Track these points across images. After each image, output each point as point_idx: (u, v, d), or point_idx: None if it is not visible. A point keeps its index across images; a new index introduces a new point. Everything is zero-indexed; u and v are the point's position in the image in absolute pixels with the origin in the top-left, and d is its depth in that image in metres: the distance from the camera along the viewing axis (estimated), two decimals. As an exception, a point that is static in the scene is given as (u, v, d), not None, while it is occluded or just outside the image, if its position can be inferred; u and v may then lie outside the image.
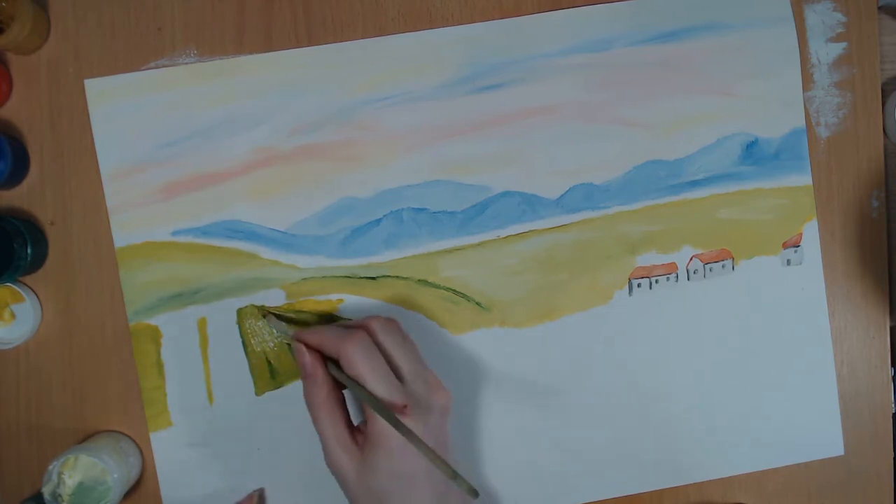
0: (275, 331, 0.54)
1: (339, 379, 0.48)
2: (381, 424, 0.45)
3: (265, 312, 0.55)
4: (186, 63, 0.56)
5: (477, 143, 0.56)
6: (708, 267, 0.58)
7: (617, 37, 0.57)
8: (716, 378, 0.58)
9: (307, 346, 0.49)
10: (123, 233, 0.55)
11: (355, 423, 0.50)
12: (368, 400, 0.45)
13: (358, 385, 0.46)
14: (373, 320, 0.49)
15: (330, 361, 0.48)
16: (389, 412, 0.44)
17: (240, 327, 0.55)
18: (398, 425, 0.44)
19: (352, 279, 0.56)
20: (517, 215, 0.57)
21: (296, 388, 0.56)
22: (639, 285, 0.57)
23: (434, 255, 0.56)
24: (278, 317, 0.55)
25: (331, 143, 0.56)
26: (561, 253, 0.57)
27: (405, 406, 0.45)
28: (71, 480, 0.51)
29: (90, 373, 0.55)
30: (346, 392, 0.50)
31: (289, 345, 0.55)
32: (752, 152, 0.58)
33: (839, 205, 0.59)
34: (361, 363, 0.46)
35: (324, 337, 0.48)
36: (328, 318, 0.56)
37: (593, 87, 0.57)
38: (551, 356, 0.57)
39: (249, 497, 0.55)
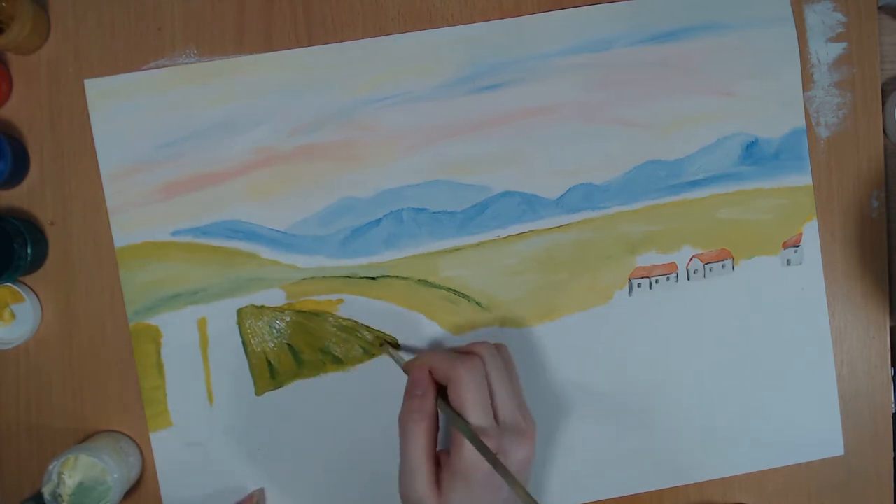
0: (393, 360, 0.53)
1: (440, 409, 0.47)
2: (469, 456, 0.44)
3: (382, 342, 0.55)
4: (186, 63, 0.56)
5: (477, 143, 0.56)
6: (708, 267, 0.58)
7: (617, 37, 0.57)
8: (716, 378, 0.58)
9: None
10: (123, 233, 0.55)
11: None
12: (467, 432, 0.44)
13: (458, 416, 0.45)
14: (485, 347, 0.48)
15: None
16: (487, 448, 0.43)
17: (240, 327, 0.55)
18: (496, 463, 0.43)
19: (352, 279, 0.56)
20: (517, 215, 0.57)
21: (296, 388, 0.56)
22: (639, 285, 0.57)
23: (434, 255, 0.56)
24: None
25: (331, 143, 0.56)
26: (561, 253, 0.57)
27: (495, 452, 0.44)
28: (71, 480, 0.51)
29: (90, 373, 0.55)
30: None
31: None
32: (752, 152, 0.58)
33: (839, 205, 0.59)
34: (468, 392, 0.45)
35: (439, 360, 0.47)
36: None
37: (593, 87, 0.57)
38: (551, 356, 0.57)
39: (249, 497, 0.55)
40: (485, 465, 0.44)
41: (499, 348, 0.50)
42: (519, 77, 0.57)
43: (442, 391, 0.48)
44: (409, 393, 0.48)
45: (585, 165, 0.57)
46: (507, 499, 0.46)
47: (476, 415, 0.45)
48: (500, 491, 0.45)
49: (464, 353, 0.48)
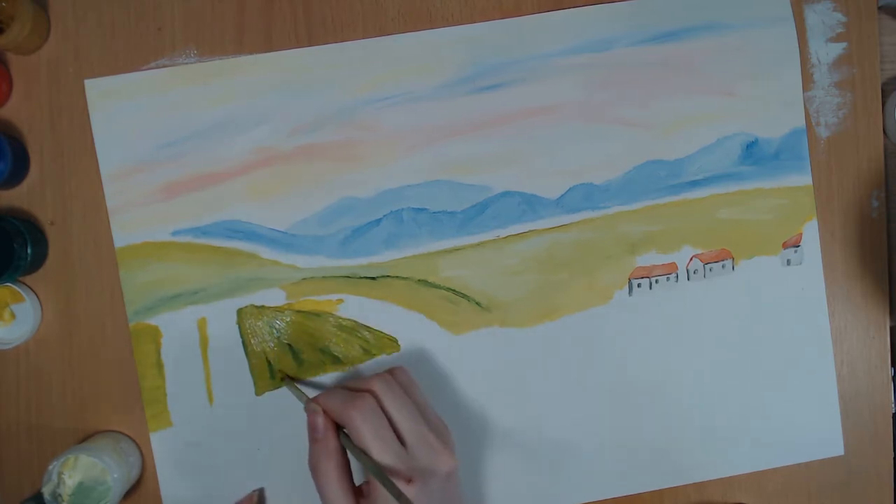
0: (296, 397, 0.53)
1: (345, 446, 0.47)
2: (384, 492, 0.45)
3: (283, 376, 0.55)
4: (186, 63, 0.56)
5: (477, 143, 0.56)
6: (708, 267, 0.58)
7: (617, 37, 0.57)
8: (716, 378, 0.58)
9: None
10: (123, 233, 0.55)
11: (356, 481, 0.49)
12: (374, 471, 0.45)
13: (364, 455, 0.46)
14: (377, 381, 0.48)
15: (341, 431, 0.48)
16: (392, 484, 0.44)
17: (240, 327, 0.55)
18: (400, 497, 0.43)
19: (352, 279, 0.56)
20: (517, 215, 0.57)
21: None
22: (639, 285, 0.57)
23: (434, 255, 0.56)
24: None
25: (331, 143, 0.56)
26: (561, 253, 0.57)
27: (410, 478, 0.45)
28: (71, 480, 0.51)
29: (90, 373, 0.55)
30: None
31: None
32: (752, 152, 0.58)
33: (839, 205, 0.59)
34: (367, 433, 0.45)
35: (330, 403, 0.48)
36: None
37: (593, 87, 0.57)
38: (551, 356, 0.57)
39: (249, 497, 0.55)
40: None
41: (394, 373, 0.50)
42: (519, 77, 0.57)
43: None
44: (311, 437, 0.48)
45: (585, 165, 0.57)
46: None
47: (378, 450, 0.45)
48: None
49: (355, 389, 0.49)
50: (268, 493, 0.56)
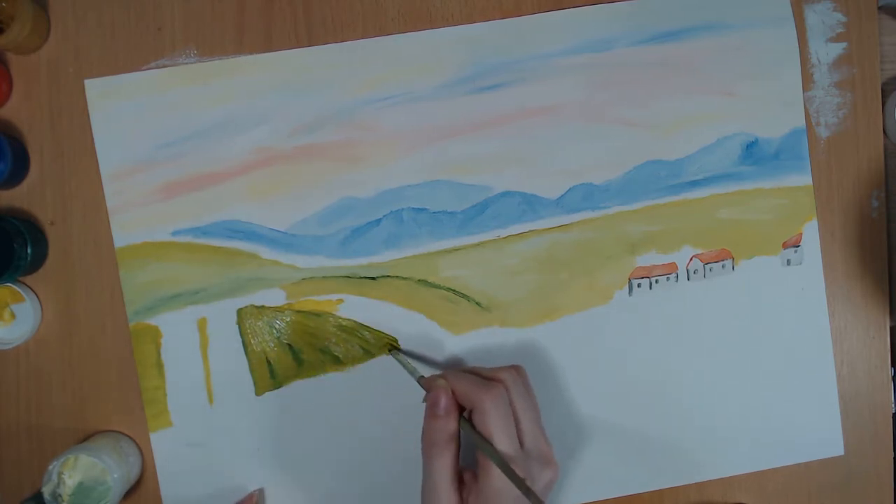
0: (405, 369, 0.53)
1: (464, 430, 0.47)
2: (496, 483, 0.44)
3: (391, 347, 0.55)
4: (186, 63, 0.56)
5: (477, 143, 0.56)
6: (708, 267, 0.58)
7: (617, 37, 0.57)
8: (716, 378, 0.58)
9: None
10: (123, 233, 0.55)
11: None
12: (496, 460, 0.44)
13: (487, 442, 0.45)
14: (508, 373, 0.48)
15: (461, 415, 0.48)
16: (518, 477, 0.44)
17: (240, 327, 0.55)
18: (528, 491, 0.43)
19: (352, 279, 0.56)
20: (517, 215, 0.57)
21: (296, 388, 0.56)
22: (639, 285, 0.57)
23: (434, 255, 0.56)
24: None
25: (331, 143, 0.56)
26: (561, 253, 0.57)
27: (524, 475, 0.45)
28: (71, 480, 0.51)
29: (90, 373, 0.55)
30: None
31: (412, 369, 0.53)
32: (752, 152, 0.58)
33: (839, 205, 0.59)
34: (496, 422, 0.45)
35: (463, 384, 0.47)
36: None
37: (594, 87, 0.57)
38: (551, 356, 0.57)
39: (249, 497, 0.55)
40: (513, 491, 0.44)
41: (518, 371, 0.50)
42: (519, 77, 0.57)
43: (463, 410, 0.48)
44: (432, 412, 0.47)
45: (585, 165, 0.57)
46: None
47: (503, 443, 0.45)
48: None
49: (487, 377, 0.48)
50: (268, 493, 0.56)
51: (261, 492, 0.56)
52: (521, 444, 0.46)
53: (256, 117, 0.56)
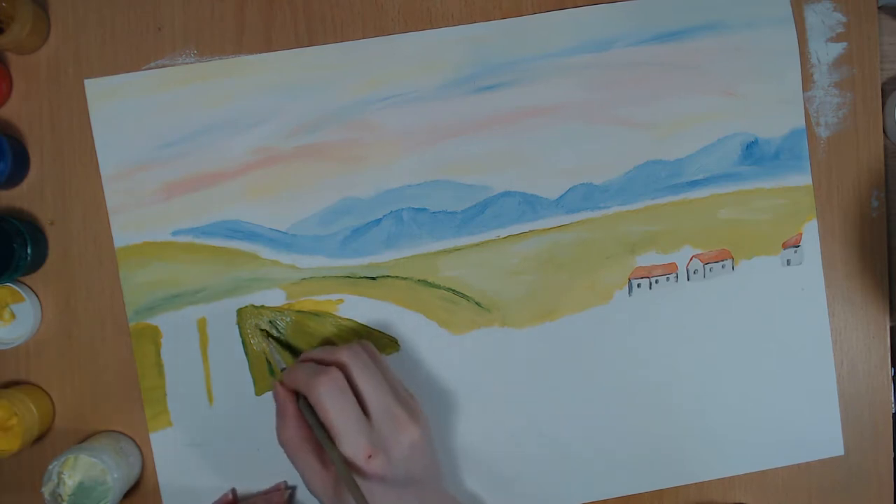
0: (273, 359, 0.54)
1: (309, 421, 0.47)
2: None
3: (267, 335, 0.55)
4: (186, 63, 0.56)
5: (477, 143, 0.56)
6: (708, 267, 0.58)
7: (617, 37, 0.57)
8: (716, 378, 0.58)
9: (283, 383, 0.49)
10: (123, 233, 0.55)
11: None
12: (328, 448, 0.45)
13: (321, 430, 0.46)
14: (345, 352, 0.48)
15: (301, 398, 0.48)
16: (345, 467, 0.44)
17: (240, 327, 0.55)
18: (350, 485, 0.44)
19: (352, 279, 0.56)
20: (517, 215, 0.57)
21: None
22: (639, 285, 0.57)
23: (434, 255, 0.56)
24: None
25: (331, 143, 0.56)
26: (561, 253, 0.57)
27: (370, 452, 0.45)
28: (71, 480, 0.51)
29: (90, 373, 0.55)
30: None
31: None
32: (753, 152, 0.58)
33: (839, 205, 0.59)
34: (330, 406, 0.46)
35: (297, 376, 0.48)
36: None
37: (594, 87, 0.57)
38: (551, 356, 0.57)
39: (276, 487, 0.55)
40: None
41: (360, 346, 0.50)
42: (519, 77, 0.57)
43: None
44: (277, 412, 0.49)
45: (585, 165, 0.57)
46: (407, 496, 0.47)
47: (343, 426, 0.45)
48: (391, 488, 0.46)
49: (324, 361, 0.49)
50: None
51: (291, 488, 0.56)
52: (369, 416, 0.47)
53: (256, 117, 0.56)
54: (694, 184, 0.57)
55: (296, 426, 0.48)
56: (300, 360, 0.50)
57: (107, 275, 0.55)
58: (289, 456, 0.48)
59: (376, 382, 0.48)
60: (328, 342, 0.56)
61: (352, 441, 0.45)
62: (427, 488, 0.48)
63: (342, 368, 0.48)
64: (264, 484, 0.56)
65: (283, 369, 0.51)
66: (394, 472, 0.46)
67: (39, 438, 0.55)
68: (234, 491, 0.55)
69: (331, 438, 0.46)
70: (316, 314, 0.56)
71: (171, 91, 0.55)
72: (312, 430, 0.47)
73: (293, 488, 0.56)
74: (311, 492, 0.47)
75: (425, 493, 0.48)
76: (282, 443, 0.48)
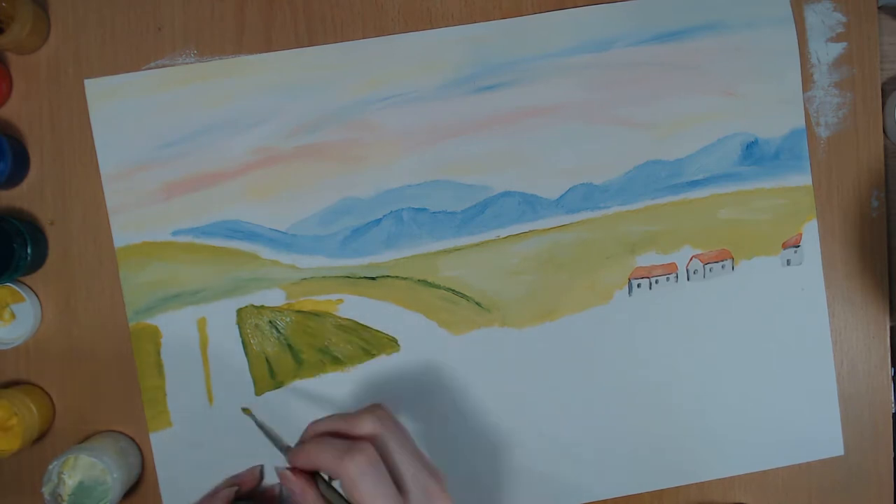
0: (268, 437, 0.48)
1: (330, 499, 0.43)
2: None
3: (249, 413, 0.50)
4: (186, 63, 0.56)
5: (477, 143, 0.56)
6: (708, 267, 0.58)
7: (617, 37, 0.57)
8: (715, 378, 0.58)
9: (300, 468, 0.43)
10: (123, 233, 0.55)
11: None
12: None
13: None
14: (371, 422, 0.43)
15: (320, 479, 0.43)
16: None
17: (240, 327, 0.55)
18: None
19: (352, 279, 0.56)
20: (517, 215, 0.57)
21: (296, 388, 0.56)
22: (639, 285, 0.57)
23: (434, 255, 0.56)
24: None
25: (331, 143, 0.56)
26: (561, 253, 0.57)
27: None
28: (71, 480, 0.51)
29: (90, 373, 0.55)
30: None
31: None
32: (753, 152, 0.58)
33: (839, 205, 0.59)
34: (368, 490, 0.40)
35: (322, 457, 0.42)
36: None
37: (594, 87, 0.57)
38: (551, 356, 0.57)
39: (251, 471, 0.53)
40: None
41: (382, 412, 0.45)
42: (519, 77, 0.57)
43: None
44: (293, 498, 0.43)
45: (585, 165, 0.57)
46: None
47: None
48: None
49: (349, 435, 0.43)
50: (268, 493, 0.56)
51: (261, 468, 0.54)
52: (404, 495, 0.42)
53: (256, 117, 0.56)
54: (694, 184, 0.57)
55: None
56: (310, 433, 0.45)
57: (107, 275, 0.55)
58: None
59: (409, 456, 0.43)
60: (328, 342, 0.56)
61: None
62: None
63: (372, 441, 0.42)
64: (264, 483, 0.56)
65: (287, 447, 0.45)
66: None
67: (39, 438, 0.55)
68: (261, 468, 0.52)
69: None
70: (316, 314, 0.56)
71: (171, 91, 0.55)
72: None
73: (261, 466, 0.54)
74: None
75: None
76: None
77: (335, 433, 0.44)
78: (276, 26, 0.56)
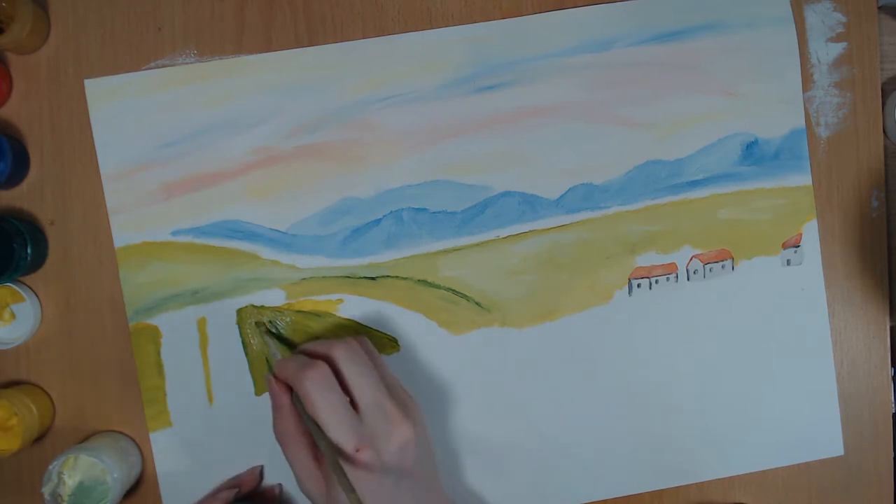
0: (271, 355, 0.55)
1: (300, 412, 0.47)
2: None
3: (265, 330, 0.55)
4: (186, 63, 0.56)
5: (477, 143, 0.56)
6: (708, 267, 0.58)
7: (617, 37, 0.57)
8: (715, 378, 0.58)
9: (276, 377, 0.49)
10: (123, 233, 0.55)
11: None
12: (318, 440, 0.45)
13: (312, 422, 0.46)
14: (337, 347, 0.48)
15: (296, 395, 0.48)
16: (334, 456, 0.44)
17: (240, 327, 0.55)
18: (338, 473, 0.44)
19: (351, 279, 0.56)
20: (517, 215, 0.57)
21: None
22: (639, 285, 0.57)
23: (434, 255, 0.56)
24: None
25: (331, 143, 0.56)
26: (561, 253, 0.57)
27: (359, 446, 0.45)
28: (71, 480, 0.51)
29: (90, 373, 0.55)
30: None
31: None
32: (753, 152, 0.58)
33: (839, 205, 0.59)
34: (316, 400, 0.46)
35: (287, 370, 0.48)
36: (329, 330, 0.56)
37: (594, 87, 0.57)
38: (551, 356, 0.57)
39: (251, 471, 0.55)
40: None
41: (354, 341, 0.50)
42: (519, 77, 0.57)
43: None
44: (273, 405, 0.49)
45: (585, 165, 0.57)
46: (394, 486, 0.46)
47: (329, 419, 0.45)
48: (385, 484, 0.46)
49: (315, 354, 0.49)
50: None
51: (261, 468, 0.56)
52: (357, 409, 0.47)
53: (256, 117, 0.56)
54: (694, 184, 0.57)
55: (290, 419, 0.48)
56: (295, 352, 0.51)
57: (107, 275, 0.55)
58: (283, 450, 0.48)
59: (366, 377, 0.48)
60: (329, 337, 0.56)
61: (339, 433, 0.45)
62: (421, 485, 0.48)
63: (331, 362, 0.48)
64: (264, 483, 0.56)
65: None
66: (384, 466, 0.46)
67: (39, 438, 0.55)
68: (261, 469, 0.56)
69: (320, 429, 0.46)
70: (316, 314, 0.56)
71: (171, 91, 0.55)
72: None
73: (261, 466, 0.56)
74: (303, 490, 0.47)
75: (419, 489, 0.47)
76: (277, 436, 0.48)
77: (312, 354, 0.49)
78: (276, 26, 0.56)
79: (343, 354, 0.48)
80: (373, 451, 0.45)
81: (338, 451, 0.45)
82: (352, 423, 0.46)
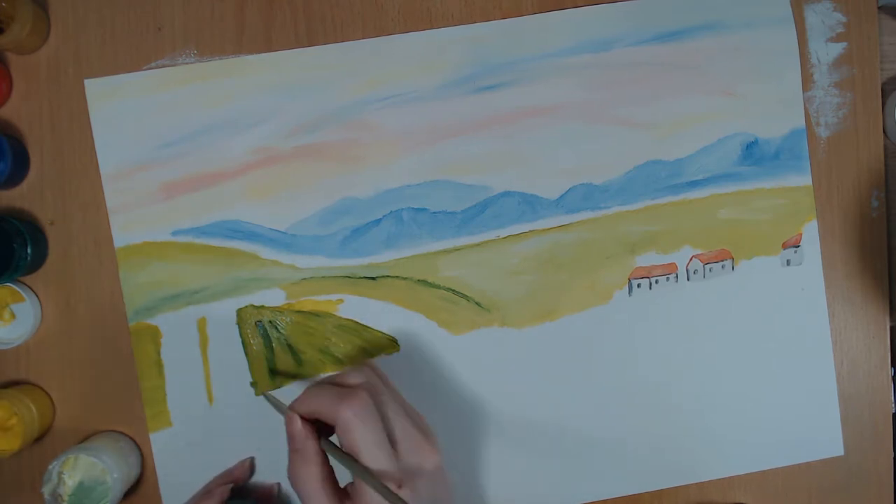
0: (274, 409, 0.51)
1: (328, 452, 0.44)
2: (373, 499, 0.41)
3: (262, 392, 0.54)
4: (186, 63, 0.56)
5: (477, 143, 0.56)
6: (708, 267, 0.58)
7: (617, 37, 0.57)
8: (715, 378, 0.58)
9: (300, 415, 0.45)
10: (123, 233, 0.55)
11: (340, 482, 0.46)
12: (363, 476, 0.42)
13: (351, 460, 0.42)
14: (365, 376, 0.45)
15: (323, 436, 0.45)
16: (386, 488, 0.41)
17: (240, 327, 0.55)
18: (395, 501, 0.41)
19: (351, 279, 0.56)
20: (517, 215, 0.57)
21: (296, 388, 0.56)
22: (639, 285, 0.57)
23: (434, 255, 0.56)
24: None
25: (331, 143, 0.56)
26: (561, 253, 0.57)
27: (400, 482, 0.42)
28: (71, 480, 0.51)
29: (90, 373, 0.55)
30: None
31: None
32: (753, 152, 0.58)
33: (839, 205, 0.59)
34: (363, 435, 0.42)
35: (319, 401, 0.44)
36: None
37: (594, 87, 0.57)
38: (551, 356, 0.57)
39: (241, 464, 0.55)
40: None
41: (372, 368, 0.47)
42: (519, 77, 0.57)
43: (326, 428, 0.45)
44: (290, 447, 0.44)
45: (585, 165, 0.57)
46: None
47: (373, 455, 0.42)
48: None
49: (343, 384, 0.45)
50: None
51: (251, 460, 0.55)
52: (394, 445, 0.43)
53: (256, 117, 0.56)
54: (694, 184, 0.57)
55: (315, 464, 0.43)
56: (315, 386, 0.46)
57: (107, 275, 0.55)
58: (303, 497, 0.43)
59: (397, 407, 0.44)
60: (328, 342, 0.56)
61: (381, 471, 0.42)
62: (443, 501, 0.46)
63: (370, 393, 0.44)
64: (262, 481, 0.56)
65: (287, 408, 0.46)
66: (420, 501, 0.43)
67: (39, 438, 0.55)
68: (252, 460, 0.55)
69: (366, 468, 0.41)
70: (316, 314, 0.56)
71: (171, 91, 0.55)
72: (329, 465, 0.44)
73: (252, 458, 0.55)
74: None
75: None
76: (298, 482, 0.43)
77: (334, 383, 0.46)
78: (276, 26, 0.56)
79: (373, 382, 0.45)
80: (410, 486, 0.42)
81: (387, 491, 0.41)
82: (390, 457, 0.42)
